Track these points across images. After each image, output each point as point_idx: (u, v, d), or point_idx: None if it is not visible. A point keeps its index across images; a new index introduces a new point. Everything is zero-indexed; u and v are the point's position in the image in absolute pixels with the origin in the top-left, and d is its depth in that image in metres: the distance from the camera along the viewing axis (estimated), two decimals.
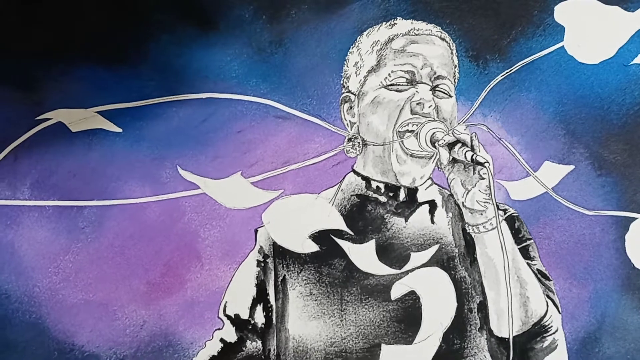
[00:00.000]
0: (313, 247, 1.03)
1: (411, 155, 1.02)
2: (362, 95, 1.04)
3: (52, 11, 1.12)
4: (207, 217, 1.09)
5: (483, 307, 1.00)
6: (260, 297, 1.03)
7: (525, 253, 1.04)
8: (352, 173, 1.08)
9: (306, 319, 1.01)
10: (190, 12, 1.12)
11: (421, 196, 1.05)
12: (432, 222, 1.04)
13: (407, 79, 1.01)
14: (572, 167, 1.10)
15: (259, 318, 1.03)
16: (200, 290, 1.08)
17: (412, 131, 1.00)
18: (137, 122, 1.11)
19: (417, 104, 1.00)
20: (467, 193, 0.96)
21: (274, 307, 1.03)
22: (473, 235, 0.99)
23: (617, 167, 1.11)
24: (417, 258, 1.02)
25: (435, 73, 1.02)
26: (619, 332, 1.08)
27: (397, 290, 1.01)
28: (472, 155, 0.92)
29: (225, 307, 1.05)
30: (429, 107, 1.00)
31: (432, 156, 1.02)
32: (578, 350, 1.07)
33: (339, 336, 1.01)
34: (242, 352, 1.03)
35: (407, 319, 1.00)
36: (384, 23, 1.08)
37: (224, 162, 1.10)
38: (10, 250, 1.09)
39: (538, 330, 0.99)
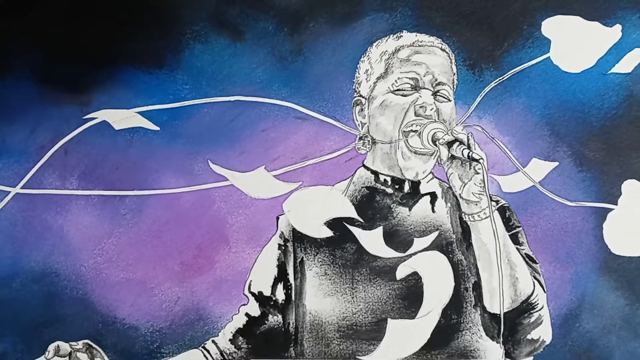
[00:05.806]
0: (328, 233, 1.07)
1: (415, 152, 1.06)
2: (372, 99, 1.09)
3: (98, 24, 1.17)
4: (235, 205, 1.14)
5: (477, 286, 1.04)
6: (281, 276, 1.07)
7: (514, 239, 1.07)
8: (362, 168, 1.12)
9: (321, 296, 1.06)
10: (221, 24, 1.17)
11: (423, 188, 1.09)
12: (433, 211, 1.08)
13: (411, 85, 1.06)
14: (556, 163, 1.14)
15: (280, 295, 1.07)
16: (228, 270, 1.13)
17: (415, 131, 1.04)
18: (173, 121, 1.16)
19: (420, 107, 1.05)
20: (464, 186, 1.00)
21: (293, 285, 1.07)
22: (469, 223, 1.03)
23: (596, 164, 1.14)
24: (420, 243, 1.06)
25: (436, 80, 1.06)
26: (597, 309, 1.12)
27: (402, 271, 1.05)
28: (469, 153, 0.96)
29: (250, 285, 1.10)
30: (431, 110, 1.04)
31: (433, 153, 1.06)
32: (561, 325, 1.11)
33: (350, 311, 1.05)
34: (264, 325, 1.07)
35: (410, 297, 1.04)
36: (392, 35, 1.13)
37: (249, 157, 1.15)
38: (60, 234, 1.14)
39: (526, 307, 1.02)
